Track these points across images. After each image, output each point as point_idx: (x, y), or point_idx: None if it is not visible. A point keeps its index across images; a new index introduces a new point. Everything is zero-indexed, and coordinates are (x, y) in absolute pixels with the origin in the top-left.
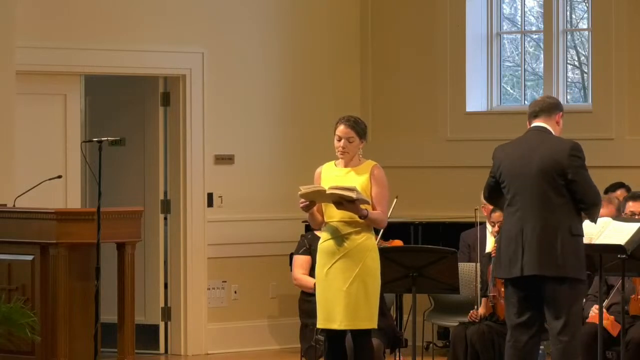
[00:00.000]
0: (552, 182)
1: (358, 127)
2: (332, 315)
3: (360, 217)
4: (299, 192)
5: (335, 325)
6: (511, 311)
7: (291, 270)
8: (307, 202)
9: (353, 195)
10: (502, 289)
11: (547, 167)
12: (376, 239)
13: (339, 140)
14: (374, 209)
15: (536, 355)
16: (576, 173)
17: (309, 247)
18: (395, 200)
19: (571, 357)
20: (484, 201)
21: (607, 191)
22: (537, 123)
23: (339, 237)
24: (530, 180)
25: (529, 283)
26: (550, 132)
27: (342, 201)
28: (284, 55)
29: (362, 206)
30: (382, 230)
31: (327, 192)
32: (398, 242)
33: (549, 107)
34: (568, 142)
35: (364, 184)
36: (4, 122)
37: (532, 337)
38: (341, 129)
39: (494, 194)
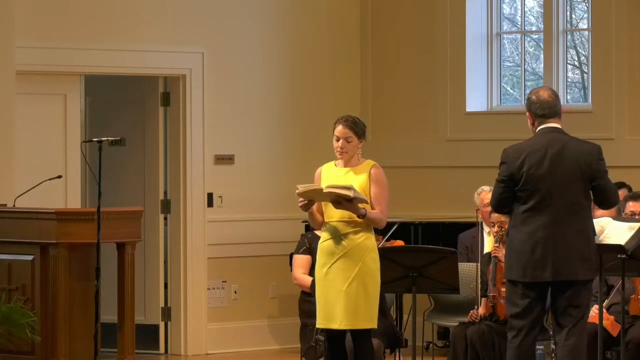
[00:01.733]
0: (583, 186)
1: (356, 127)
2: (332, 315)
3: (358, 217)
4: (297, 191)
5: (335, 325)
6: (516, 313)
7: (291, 270)
8: (306, 201)
9: (350, 193)
10: (502, 289)
11: (579, 170)
12: (380, 240)
13: (338, 141)
14: (373, 208)
15: (534, 356)
16: (603, 177)
17: (309, 246)
18: (395, 226)
19: (579, 356)
20: (478, 204)
21: None
22: (550, 124)
23: (338, 237)
24: (561, 184)
25: (547, 286)
26: (566, 133)
27: (340, 200)
28: (284, 55)
29: (361, 205)
30: (390, 232)
31: (325, 190)
32: (400, 243)
33: (558, 108)
34: (593, 145)
35: (363, 183)
36: (4, 122)
37: (535, 338)
38: (339, 129)
39: (507, 202)
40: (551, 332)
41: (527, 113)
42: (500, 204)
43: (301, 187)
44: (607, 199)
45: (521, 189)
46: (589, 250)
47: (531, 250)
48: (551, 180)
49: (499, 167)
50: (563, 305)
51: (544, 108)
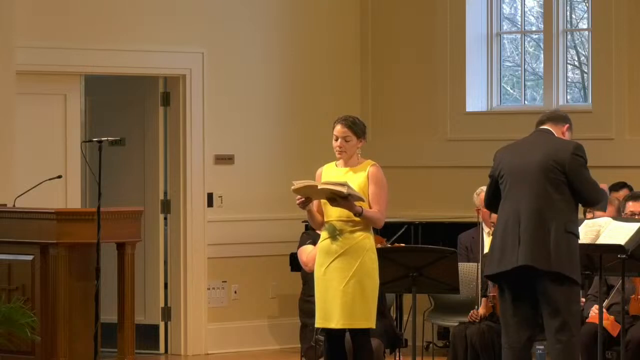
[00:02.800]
0: (552, 178)
1: (355, 127)
2: (330, 314)
3: (354, 215)
4: (292, 188)
5: (333, 324)
6: (506, 310)
7: (292, 270)
8: (303, 199)
9: (344, 190)
10: None
11: (548, 163)
12: (384, 243)
13: (336, 140)
14: (370, 207)
15: (530, 356)
16: (576, 173)
17: (312, 241)
18: (403, 229)
19: (570, 357)
20: (477, 204)
21: (609, 191)
22: (542, 126)
23: (336, 236)
24: (529, 174)
25: (522, 279)
26: (554, 134)
27: (336, 197)
28: (284, 56)
29: (358, 203)
30: (397, 235)
31: (319, 187)
32: (400, 246)
33: (557, 117)
34: (571, 142)
35: (362, 183)
36: (4, 122)
37: (529, 338)
38: (338, 128)
39: (495, 199)
40: None
41: None
42: (488, 202)
43: (296, 184)
44: (582, 197)
45: (500, 182)
46: (548, 240)
47: (502, 238)
48: (521, 171)
49: None
50: (541, 303)
51: (542, 115)
